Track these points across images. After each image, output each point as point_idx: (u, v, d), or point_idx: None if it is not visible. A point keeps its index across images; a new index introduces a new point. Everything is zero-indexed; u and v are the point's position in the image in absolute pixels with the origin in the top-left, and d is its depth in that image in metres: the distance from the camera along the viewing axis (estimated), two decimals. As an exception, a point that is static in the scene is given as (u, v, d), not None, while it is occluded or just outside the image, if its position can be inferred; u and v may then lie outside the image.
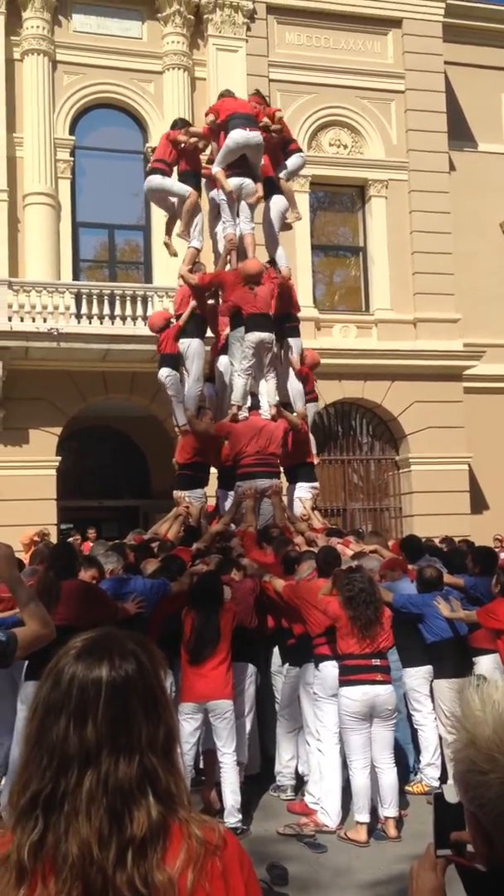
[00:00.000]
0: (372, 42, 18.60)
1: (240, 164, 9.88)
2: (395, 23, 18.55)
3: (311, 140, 18.02)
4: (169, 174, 10.26)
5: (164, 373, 10.30)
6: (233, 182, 9.78)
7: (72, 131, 16.86)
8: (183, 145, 10.19)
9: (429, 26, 18.64)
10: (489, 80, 19.98)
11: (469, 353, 17.93)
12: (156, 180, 10.26)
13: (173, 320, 10.53)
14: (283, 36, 18.06)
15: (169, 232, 11.09)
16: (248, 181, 9.84)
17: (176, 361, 10.27)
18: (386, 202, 18.35)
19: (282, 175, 10.48)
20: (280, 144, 10.47)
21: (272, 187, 10.37)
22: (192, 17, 17.27)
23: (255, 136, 9.72)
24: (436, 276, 18.11)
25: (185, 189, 10.19)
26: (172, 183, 10.26)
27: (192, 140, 10.18)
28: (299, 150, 10.82)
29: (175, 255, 11.11)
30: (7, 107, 16.10)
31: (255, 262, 9.73)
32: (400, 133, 18.46)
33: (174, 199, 10.50)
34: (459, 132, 19.44)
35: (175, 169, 10.42)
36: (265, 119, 10.17)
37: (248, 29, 17.50)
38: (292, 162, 10.53)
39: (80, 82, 16.86)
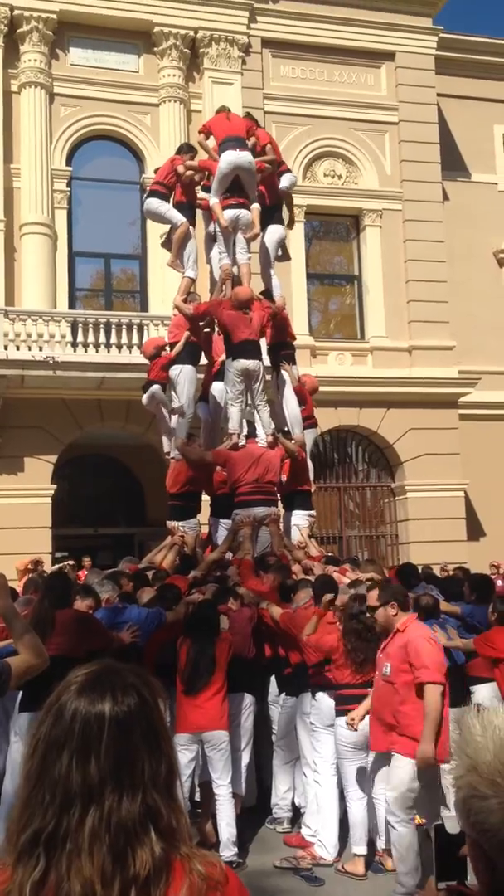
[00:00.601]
0: (365, 75, 18.87)
1: (235, 191, 9.92)
2: (389, 56, 18.84)
3: (306, 170, 18.22)
4: (167, 198, 10.35)
5: (147, 399, 10.45)
6: (228, 214, 9.83)
7: (69, 162, 17.03)
8: (181, 177, 10.29)
9: (421, 59, 18.92)
10: (481, 112, 20.28)
11: (464, 381, 18.01)
12: (153, 204, 10.38)
13: (167, 348, 10.62)
14: (277, 69, 18.31)
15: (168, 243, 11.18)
16: (243, 212, 9.88)
17: (162, 388, 10.39)
18: (380, 231, 18.52)
19: (282, 186, 10.54)
20: (275, 172, 10.55)
21: (268, 217, 10.44)
22: (188, 51, 17.52)
23: (246, 155, 9.76)
24: (430, 304, 18.24)
25: (179, 218, 10.28)
26: (168, 209, 10.35)
27: (189, 173, 10.27)
28: (289, 171, 10.95)
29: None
30: (4, 138, 16.28)
31: (245, 288, 9.79)
32: (394, 163, 18.68)
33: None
34: (452, 163, 19.69)
35: (172, 197, 10.51)
36: (254, 138, 10.23)
37: (244, 62, 17.75)
38: (286, 179, 10.62)
39: (77, 114, 17.06)
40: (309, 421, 10.61)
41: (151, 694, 1.48)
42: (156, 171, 11.22)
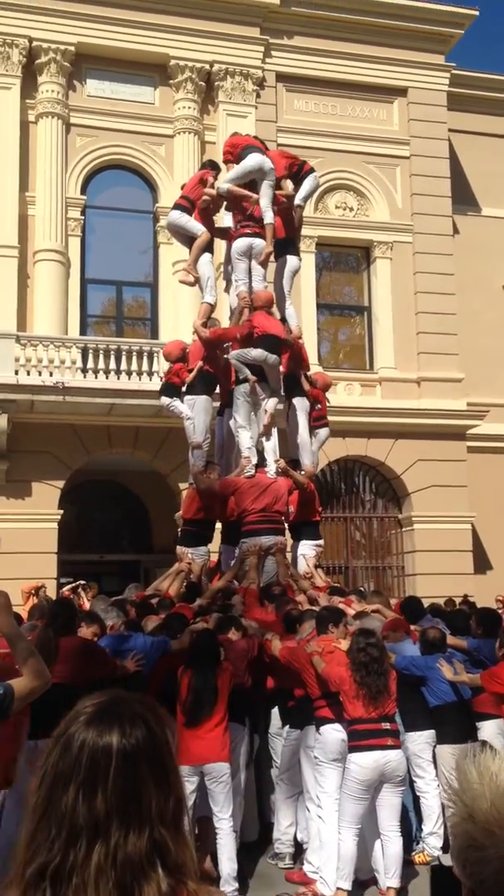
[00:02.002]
0: (378, 110, 19.08)
1: (251, 218, 9.99)
2: (401, 91, 19.05)
3: (318, 202, 18.35)
4: (190, 212, 10.40)
5: (166, 400, 10.38)
6: (243, 242, 9.94)
7: (83, 191, 17.22)
8: (205, 185, 10.35)
9: (434, 95, 19.14)
10: (492, 147, 20.46)
11: (472, 413, 18.00)
12: (174, 216, 10.45)
13: (187, 349, 10.64)
14: (291, 103, 18.53)
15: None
16: (257, 241, 9.98)
17: (178, 392, 10.36)
18: (391, 263, 18.62)
19: (298, 201, 10.55)
20: (291, 206, 10.59)
21: (284, 248, 10.48)
22: (203, 84, 17.76)
23: (268, 161, 9.90)
24: (439, 336, 18.28)
25: (200, 228, 10.33)
26: (187, 221, 10.39)
27: (206, 199, 10.35)
28: (312, 171, 10.91)
29: (194, 284, 11.07)
30: (21, 167, 16.47)
31: (263, 291, 9.87)
32: (405, 197, 18.83)
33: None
34: (463, 197, 19.83)
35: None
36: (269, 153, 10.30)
37: (258, 96, 17.96)
38: (307, 185, 10.62)
39: (93, 144, 17.27)
40: (322, 421, 10.60)
41: (160, 726, 1.45)
42: (182, 187, 11.26)
